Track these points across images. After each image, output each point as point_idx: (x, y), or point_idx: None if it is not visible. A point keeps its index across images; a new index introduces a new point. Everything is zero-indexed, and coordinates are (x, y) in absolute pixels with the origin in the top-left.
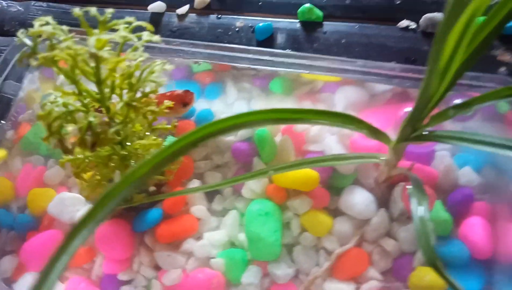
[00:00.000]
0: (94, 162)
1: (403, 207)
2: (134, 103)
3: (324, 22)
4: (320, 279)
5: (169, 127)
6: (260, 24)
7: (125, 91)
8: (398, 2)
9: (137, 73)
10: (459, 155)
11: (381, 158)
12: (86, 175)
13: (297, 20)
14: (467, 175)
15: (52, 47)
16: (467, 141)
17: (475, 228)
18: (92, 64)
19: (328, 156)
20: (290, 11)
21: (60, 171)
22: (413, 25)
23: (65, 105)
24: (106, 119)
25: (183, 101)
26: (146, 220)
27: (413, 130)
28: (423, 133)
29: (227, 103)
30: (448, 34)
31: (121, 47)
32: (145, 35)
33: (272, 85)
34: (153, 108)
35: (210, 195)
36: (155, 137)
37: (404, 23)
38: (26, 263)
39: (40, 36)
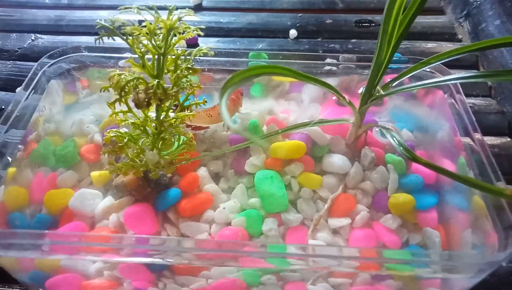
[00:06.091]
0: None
1: (370, 159)
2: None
3: None
4: (323, 219)
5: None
6: None
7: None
8: None
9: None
10: (395, 124)
11: (350, 121)
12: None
13: None
14: (406, 134)
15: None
16: (408, 88)
17: None
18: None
19: (315, 120)
20: None
21: (73, 175)
22: None
23: (130, 76)
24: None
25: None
26: (167, 198)
27: (369, 95)
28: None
29: None
30: (391, 14)
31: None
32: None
33: (253, 89)
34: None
35: (216, 178)
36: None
37: None
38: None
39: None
